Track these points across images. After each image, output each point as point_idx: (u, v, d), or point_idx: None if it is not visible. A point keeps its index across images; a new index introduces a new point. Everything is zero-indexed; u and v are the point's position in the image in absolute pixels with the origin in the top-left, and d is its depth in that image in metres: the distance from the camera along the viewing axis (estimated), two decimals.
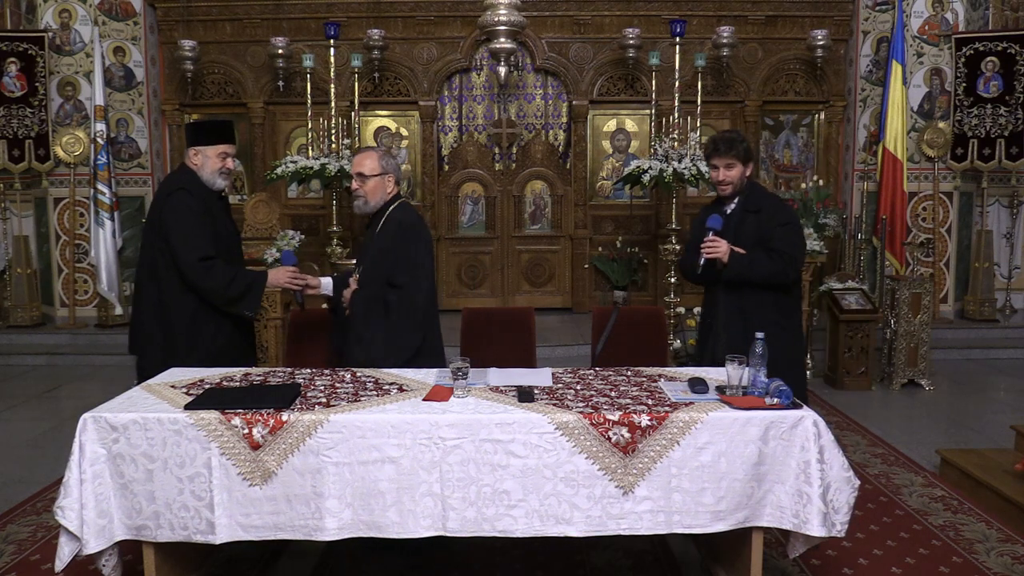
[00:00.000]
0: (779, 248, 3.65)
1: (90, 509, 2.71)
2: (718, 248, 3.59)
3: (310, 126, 7.54)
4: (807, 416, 2.78)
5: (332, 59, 7.49)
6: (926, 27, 8.06)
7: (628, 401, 2.91)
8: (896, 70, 7.53)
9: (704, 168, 6.73)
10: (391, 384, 3.17)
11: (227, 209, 3.91)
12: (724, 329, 3.75)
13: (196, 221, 3.61)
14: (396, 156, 8.82)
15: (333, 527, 2.72)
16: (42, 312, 8.19)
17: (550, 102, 8.85)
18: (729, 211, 3.79)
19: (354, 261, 4.02)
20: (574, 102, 8.60)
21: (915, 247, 7.37)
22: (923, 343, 6.44)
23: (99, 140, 7.70)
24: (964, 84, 7.85)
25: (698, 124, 7.26)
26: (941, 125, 7.95)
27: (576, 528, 2.75)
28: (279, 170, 7.15)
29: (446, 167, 8.74)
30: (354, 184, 3.65)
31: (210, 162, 3.69)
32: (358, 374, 3.35)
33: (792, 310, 3.84)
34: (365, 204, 3.66)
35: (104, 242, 7.71)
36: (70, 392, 6.52)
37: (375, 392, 3.04)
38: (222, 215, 3.83)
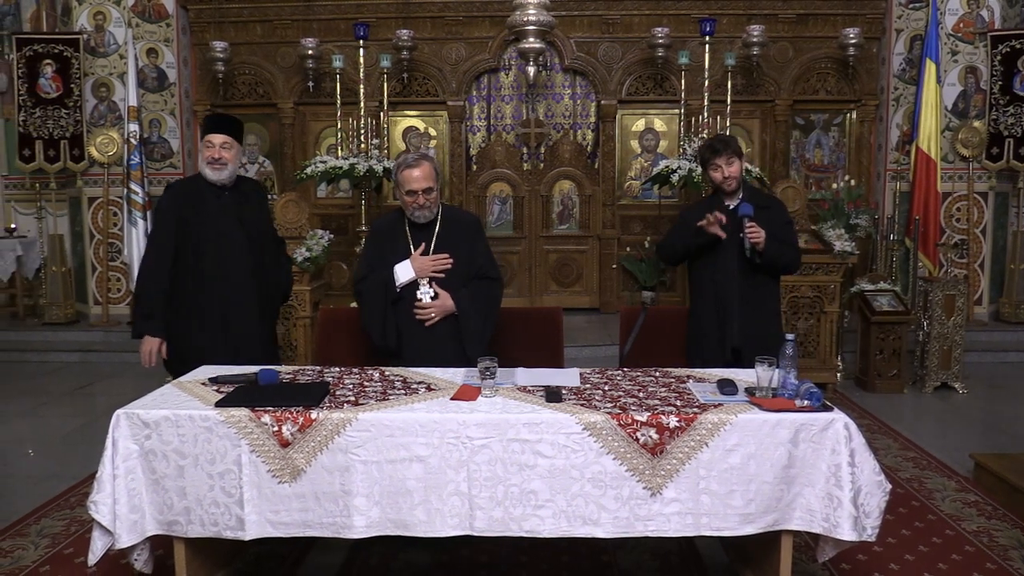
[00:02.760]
0: (790, 241, 4.00)
1: (122, 504, 2.75)
2: (760, 233, 3.78)
3: (339, 126, 7.58)
4: (838, 419, 2.74)
5: (361, 59, 7.53)
6: (960, 25, 7.94)
7: (656, 402, 2.89)
8: (930, 68, 7.41)
9: None
10: (419, 383, 3.18)
11: (242, 201, 3.89)
12: (739, 316, 3.89)
13: (165, 220, 3.80)
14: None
15: (361, 525, 2.74)
16: (76, 310, 8.33)
17: (578, 102, 8.83)
18: (732, 206, 3.94)
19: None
20: (602, 102, 8.57)
21: (949, 248, 7.26)
22: (956, 345, 6.34)
23: (132, 140, 7.81)
24: (1000, 82, 7.71)
25: (727, 124, 7.21)
26: (976, 124, 7.83)
27: (603, 529, 2.74)
28: (308, 170, 7.20)
29: (474, 167, 8.75)
30: (420, 200, 3.57)
31: (201, 154, 3.84)
32: (387, 373, 3.36)
33: (780, 297, 4.30)
34: (431, 213, 3.65)
35: (137, 241, 7.80)
36: (103, 389, 6.62)
37: (403, 391, 3.05)
38: (225, 208, 3.82)
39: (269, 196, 8.38)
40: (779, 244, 3.88)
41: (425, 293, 3.59)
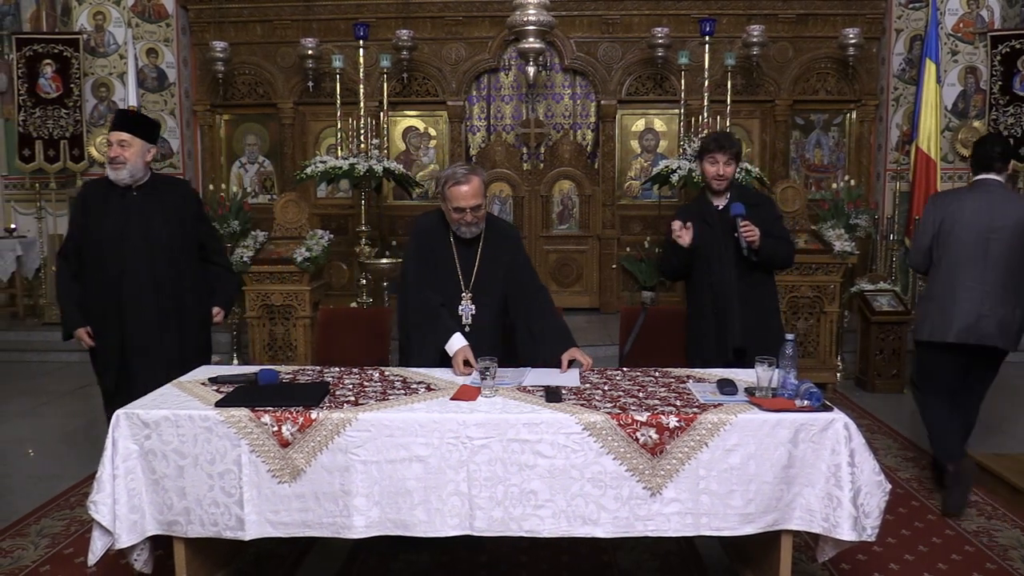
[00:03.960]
0: (782, 236, 4.00)
1: (122, 504, 2.75)
2: (754, 232, 3.77)
3: (339, 126, 7.58)
4: (838, 419, 2.74)
5: (361, 60, 7.53)
6: (960, 25, 7.95)
7: (656, 402, 2.89)
8: (930, 68, 7.39)
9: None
10: (419, 383, 3.18)
11: (151, 202, 3.82)
12: (740, 316, 3.88)
13: (73, 218, 3.91)
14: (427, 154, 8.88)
15: (361, 525, 2.74)
16: None
17: (578, 102, 8.83)
18: (721, 207, 3.96)
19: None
20: (602, 102, 8.57)
21: None
22: None
23: None
24: (1000, 82, 7.72)
25: (727, 124, 7.22)
26: (976, 124, 7.83)
27: (603, 529, 2.74)
28: (308, 170, 7.19)
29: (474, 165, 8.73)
30: (468, 217, 3.43)
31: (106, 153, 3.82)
32: (386, 373, 3.36)
33: (777, 293, 4.27)
34: (477, 229, 3.53)
35: None
36: None
37: (403, 391, 3.05)
38: (127, 209, 3.78)
39: (269, 196, 8.45)
40: (774, 240, 3.87)
41: (466, 309, 3.55)
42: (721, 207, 3.95)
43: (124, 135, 3.74)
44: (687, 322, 4.19)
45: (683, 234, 3.86)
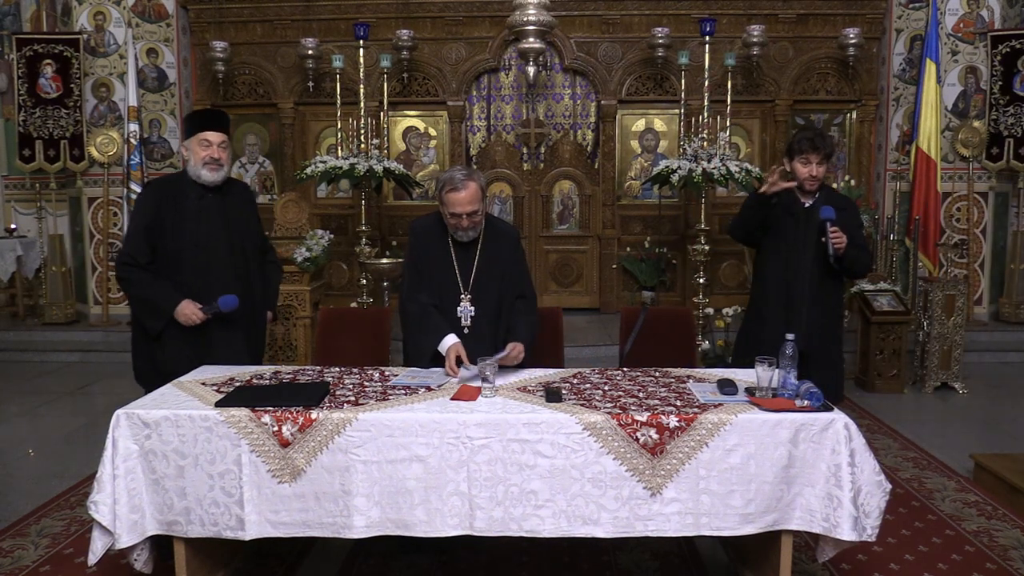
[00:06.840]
0: (861, 244, 3.95)
1: (122, 504, 2.76)
2: (842, 238, 3.74)
3: (339, 126, 7.58)
4: (838, 419, 2.75)
5: (361, 60, 7.52)
6: (961, 25, 7.94)
7: (656, 402, 2.89)
8: (930, 68, 7.38)
9: (734, 168, 6.67)
10: (420, 384, 3.17)
11: (227, 204, 3.69)
12: (808, 318, 3.86)
13: (140, 219, 3.57)
14: (428, 153, 8.88)
15: (361, 525, 2.74)
16: (76, 310, 8.32)
17: (578, 102, 8.83)
18: (808, 205, 3.92)
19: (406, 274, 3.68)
20: (602, 102, 8.57)
21: (949, 248, 7.25)
22: (956, 346, 6.34)
23: (132, 140, 7.80)
24: (1000, 83, 7.71)
25: (727, 124, 7.21)
26: (976, 124, 7.82)
27: (603, 529, 2.74)
28: (308, 170, 7.18)
29: (474, 167, 8.74)
30: (464, 223, 3.40)
31: (193, 154, 3.59)
32: (386, 373, 3.36)
33: (843, 299, 4.22)
34: (474, 233, 3.50)
35: None
36: (103, 389, 6.62)
37: (403, 391, 3.06)
38: (207, 212, 3.61)
39: (270, 197, 8.46)
40: (856, 249, 3.82)
41: (465, 311, 3.53)
42: (807, 204, 3.89)
43: (225, 136, 3.63)
44: (746, 318, 4.18)
45: (774, 178, 3.84)
